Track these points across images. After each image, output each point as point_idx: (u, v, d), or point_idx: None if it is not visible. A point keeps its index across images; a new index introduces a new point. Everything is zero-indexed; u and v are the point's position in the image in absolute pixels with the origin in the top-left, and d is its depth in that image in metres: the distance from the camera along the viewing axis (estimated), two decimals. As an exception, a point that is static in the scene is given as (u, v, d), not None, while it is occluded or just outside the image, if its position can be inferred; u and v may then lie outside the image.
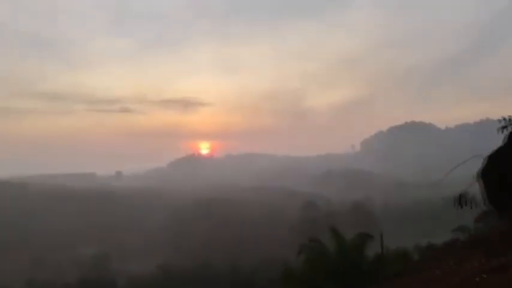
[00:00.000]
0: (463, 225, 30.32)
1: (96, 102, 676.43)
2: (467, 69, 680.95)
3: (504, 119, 12.43)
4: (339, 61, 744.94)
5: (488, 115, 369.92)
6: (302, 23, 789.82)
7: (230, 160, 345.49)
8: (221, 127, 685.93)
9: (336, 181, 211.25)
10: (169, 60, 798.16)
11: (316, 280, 24.73)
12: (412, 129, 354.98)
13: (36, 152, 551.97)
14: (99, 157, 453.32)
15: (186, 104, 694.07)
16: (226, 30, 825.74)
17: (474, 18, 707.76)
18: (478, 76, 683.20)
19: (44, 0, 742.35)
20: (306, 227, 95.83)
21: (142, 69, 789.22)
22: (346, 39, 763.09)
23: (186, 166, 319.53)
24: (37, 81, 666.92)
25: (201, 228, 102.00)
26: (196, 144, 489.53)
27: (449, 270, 11.30)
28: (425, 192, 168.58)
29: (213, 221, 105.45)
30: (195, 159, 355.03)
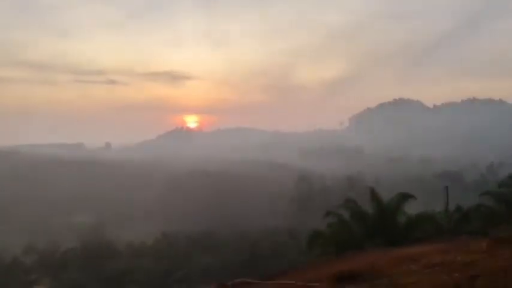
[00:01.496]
0: (490, 190, 31.09)
1: (81, 73, 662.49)
2: (455, 48, 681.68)
3: None
4: (328, 37, 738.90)
5: (475, 95, 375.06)
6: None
7: (220, 134, 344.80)
8: (210, 101, 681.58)
9: (327, 156, 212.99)
10: (156, 32, 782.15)
11: (349, 240, 25.17)
12: (401, 107, 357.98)
13: (20, 122, 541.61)
14: (86, 128, 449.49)
15: (174, 77, 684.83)
16: (214, 3, 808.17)
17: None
18: (465, 55, 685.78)
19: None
20: (302, 200, 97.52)
21: (128, 40, 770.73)
22: (335, 15, 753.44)
23: (175, 139, 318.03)
24: (19, 50, 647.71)
25: (197, 198, 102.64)
26: (185, 118, 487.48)
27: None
28: (415, 167, 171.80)
29: (208, 192, 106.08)
30: (184, 132, 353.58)
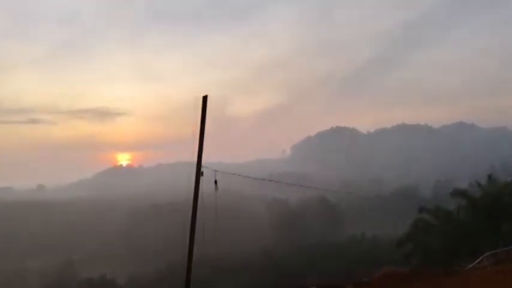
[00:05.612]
0: None
1: (1, 112, 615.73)
2: (383, 77, 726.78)
3: None
4: (260, 69, 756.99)
5: (403, 120, 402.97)
6: (220, 32, 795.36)
7: (163, 169, 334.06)
8: (144, 137, 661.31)
9: (278, 184, 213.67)
10: (81, 68, 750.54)
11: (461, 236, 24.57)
12: (338, 134, 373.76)
13: None
14: (12, 171, 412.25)
15: (102, 114, 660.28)
16: (141, 38, 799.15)
17: (387, 28, 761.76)
18: (392, 83, 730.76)
19: None
20: (280, 221, 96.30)
21: (51, 77, 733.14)
22: (266, 48, 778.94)
23: (114, 176, 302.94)
24: None
25: (173, 229, 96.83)
26: (120, 155, 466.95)
27: None
28: (366, 188, 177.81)
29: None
30: (124, 169, 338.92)
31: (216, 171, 7.29)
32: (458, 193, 26.45)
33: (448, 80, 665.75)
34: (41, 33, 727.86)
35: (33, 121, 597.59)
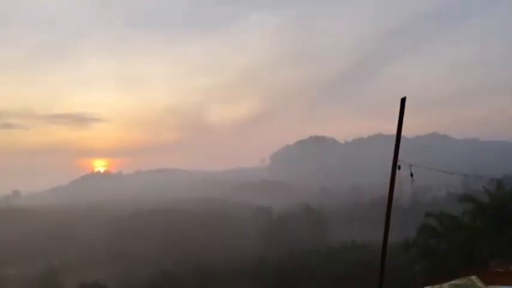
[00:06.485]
0: None
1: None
2: (359, 87, 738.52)
3: None
4: (240, 77, 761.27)
5: (379, 130, 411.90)
6: (202, 38, 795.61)
7: (141, 176, 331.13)
8: (123, 143, 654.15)
9: (259, 192, 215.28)
10: (58, 72, 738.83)
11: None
12: (316, 143, 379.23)
13: None
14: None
15: (80, 119, 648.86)
16: (121, 43, 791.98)
17: (365, 38, 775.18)
18: (369, 94, 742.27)
19: None
20: (267, 230, 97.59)
21: (26, 81, 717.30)
22: (246, 56, 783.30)
23: (92, 183, 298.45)
24: None
25: (159, 237, 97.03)
26: (97, 161, 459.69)
27: None
28: (347, 196, 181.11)
29: (172, 231, 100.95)
30: (100, 176, 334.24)
31: (411, 165, 8.79)
32: (467, 198, 28.55)
33: (422, 92, 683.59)
34: (16, 35, 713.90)
35: (7, 126, 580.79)
